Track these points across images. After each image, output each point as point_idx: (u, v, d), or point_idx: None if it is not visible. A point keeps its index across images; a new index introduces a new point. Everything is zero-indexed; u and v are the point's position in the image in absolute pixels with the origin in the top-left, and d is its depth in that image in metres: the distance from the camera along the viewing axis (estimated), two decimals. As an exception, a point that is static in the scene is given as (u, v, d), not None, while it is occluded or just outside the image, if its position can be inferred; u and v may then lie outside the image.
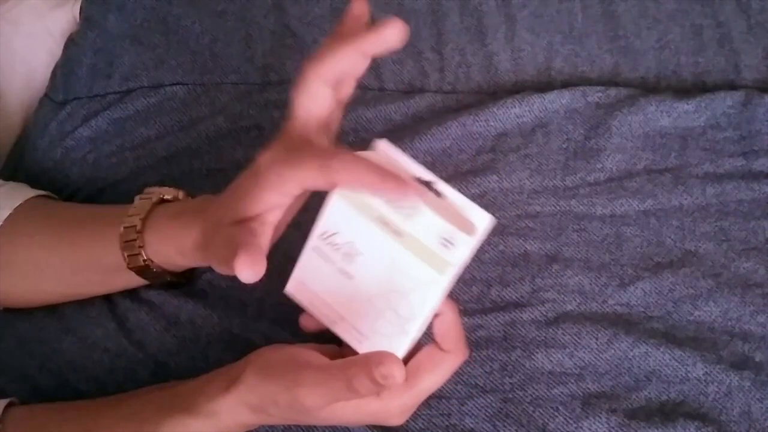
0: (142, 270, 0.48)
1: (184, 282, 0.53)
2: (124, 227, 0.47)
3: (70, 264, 0.49)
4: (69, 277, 0.50)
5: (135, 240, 0.46)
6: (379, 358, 0.35)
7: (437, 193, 0.40)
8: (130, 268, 0.47)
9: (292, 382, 0.38)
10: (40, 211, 0.52)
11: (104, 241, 0.48)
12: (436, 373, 0.41)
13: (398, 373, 0.35)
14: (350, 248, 0.39)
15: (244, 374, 0.40)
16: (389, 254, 0.38)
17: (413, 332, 0.40)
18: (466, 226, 0.38)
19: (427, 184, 0.40)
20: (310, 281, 0.42)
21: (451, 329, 0.41)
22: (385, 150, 0.40)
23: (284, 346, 0.42)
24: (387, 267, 0.39)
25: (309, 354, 0.41)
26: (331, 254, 0.40)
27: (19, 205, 0.51)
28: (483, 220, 0.39)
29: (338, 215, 0.39)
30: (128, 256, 0.47)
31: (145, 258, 0.47)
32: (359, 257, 0.39)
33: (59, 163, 0.63)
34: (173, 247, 0.46)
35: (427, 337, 0.42)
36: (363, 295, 0.40)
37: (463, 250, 0.38)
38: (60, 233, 0.50)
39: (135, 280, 0.49)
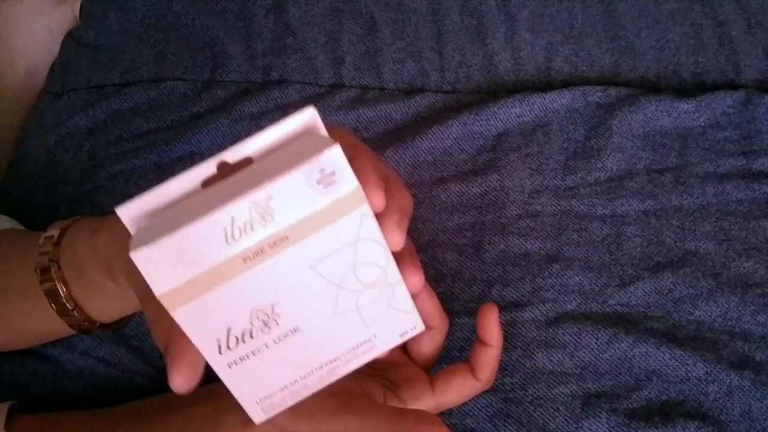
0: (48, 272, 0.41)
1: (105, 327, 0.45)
2: (44, 236, 0.42)
3: None
4: None
5: (51, 237, 0.41)
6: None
7: (250, 161, 0.30)
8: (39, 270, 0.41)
9: (330, 428, 0.36)
10: None
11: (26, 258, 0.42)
12: (461, 396, 0.42)
13: None
14: (256, 319, 0.29)
15: None
16: (299, 269, 0.29)
17: (397, 278, 0.32)
18: (317, 144, 0.28)
19: (237, 165, 0.30)
20: (264, 387, 0.31)
21: (492, 363, 0.41)
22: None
23: None
24: (312, 277, 0.29)
25: (339, 385, 0.36)
26: (250, 345, 0.30)
27: None
28: (308, 115, 0.29)
29: (200, 318, 0.28)
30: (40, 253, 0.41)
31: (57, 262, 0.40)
32: (276, 311, 0.29)
33: (51, 150, 0.63)
34: (96, 254, 0.38)
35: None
36: (325, 323, 0.31)
37: (338, 160, 0.28)
38: None
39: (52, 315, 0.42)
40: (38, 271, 0.40)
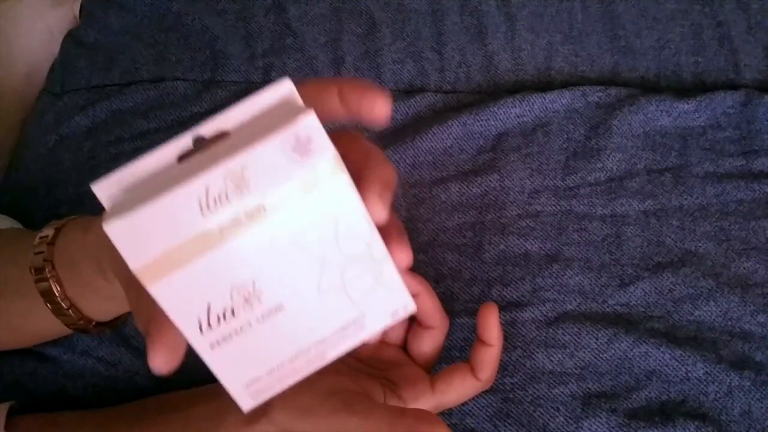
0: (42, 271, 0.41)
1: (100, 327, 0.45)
2: (39, 236, 0.42)
3: None
4: None
5: (45, 237, 0.41)
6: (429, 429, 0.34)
7: (225, 134, 0.29)
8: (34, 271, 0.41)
9: (330, 427, 0.36)
10: None
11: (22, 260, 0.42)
12: (461, 396, 0.42)
13: None
14: (237, 295, 0.28)
15: (271, 410, 0.37)
16: (278, 241, 0.28)
17: (383, 253, 0.30)
18: (292, 113, 0.27)
19: (211, 139, 0.29)
20: (250, 370, 0.30)
21: (492, 362, 0.41)
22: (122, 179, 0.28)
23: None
24: (292, 251, 0.28)
25: (338, 385, 0.37)
26: (232, 324, 0.28)
27: None
28: (284, 87, 0.28)
29: (178, 294, 0.27)
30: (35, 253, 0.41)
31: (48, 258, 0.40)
32: (258, 286, 0.28)
33: (52, 150, 0.63)
34: (87, 250, 0.39)
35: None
36: (310, 300, 0.29)
37: (313, 127, 0.27)
38: None
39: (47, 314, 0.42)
40: (33, 270, 0.40)
